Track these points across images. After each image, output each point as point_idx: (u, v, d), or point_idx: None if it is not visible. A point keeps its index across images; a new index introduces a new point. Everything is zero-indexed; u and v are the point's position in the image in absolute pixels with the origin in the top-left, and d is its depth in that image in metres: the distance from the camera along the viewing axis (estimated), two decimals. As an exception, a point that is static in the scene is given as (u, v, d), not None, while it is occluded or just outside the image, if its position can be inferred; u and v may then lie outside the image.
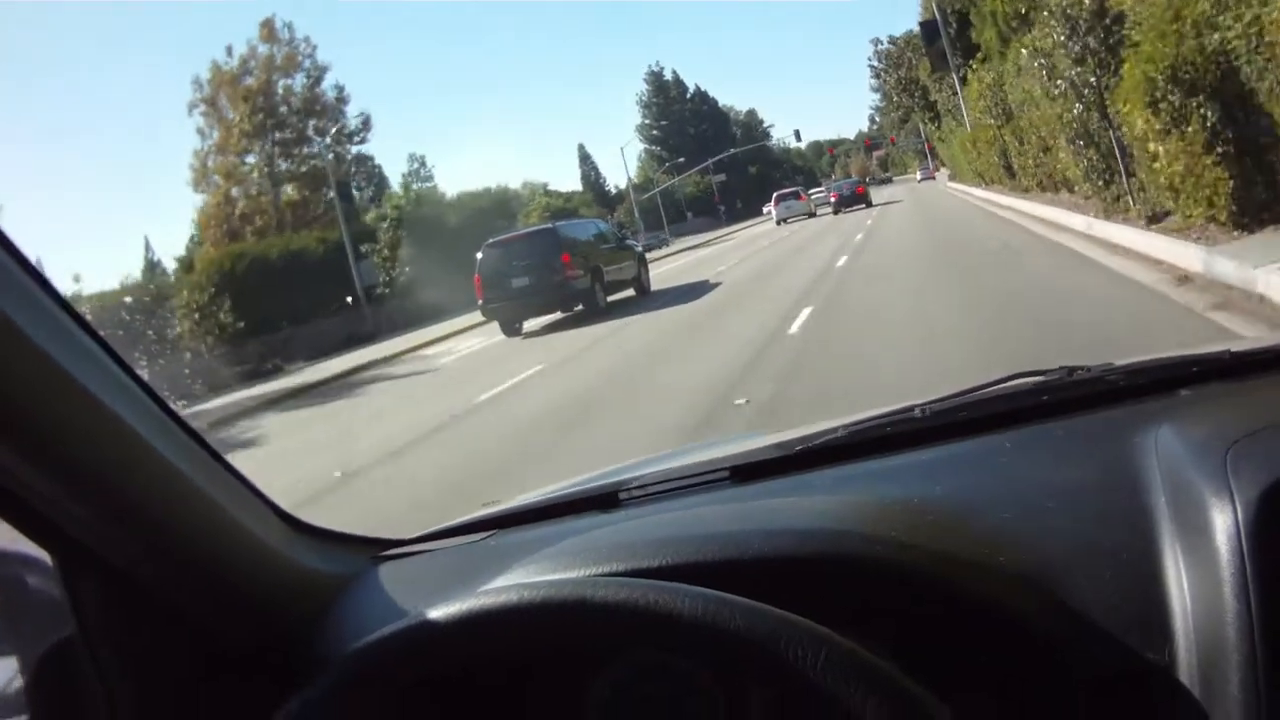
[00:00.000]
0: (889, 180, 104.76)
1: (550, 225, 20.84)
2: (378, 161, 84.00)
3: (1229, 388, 1.23)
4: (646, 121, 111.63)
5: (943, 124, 42.34)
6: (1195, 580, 0.90)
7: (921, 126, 63.31)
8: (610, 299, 20.49)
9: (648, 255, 26.64)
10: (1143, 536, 0.96)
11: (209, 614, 1.07)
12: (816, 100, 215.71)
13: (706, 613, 0.83)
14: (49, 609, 1.02)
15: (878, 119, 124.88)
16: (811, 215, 53.05)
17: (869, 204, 50.27)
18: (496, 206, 52.21)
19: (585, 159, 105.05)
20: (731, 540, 1.02)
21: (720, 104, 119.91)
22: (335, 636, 1.15)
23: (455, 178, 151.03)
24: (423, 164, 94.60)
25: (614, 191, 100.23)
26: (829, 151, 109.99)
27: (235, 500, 1.12)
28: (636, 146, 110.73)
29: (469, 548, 1.41)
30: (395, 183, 79.32)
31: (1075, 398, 1.28)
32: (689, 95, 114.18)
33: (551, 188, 77.90)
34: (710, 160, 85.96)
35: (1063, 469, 1.11)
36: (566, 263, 18.60)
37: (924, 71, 44.60)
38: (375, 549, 1.42)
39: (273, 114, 45.06)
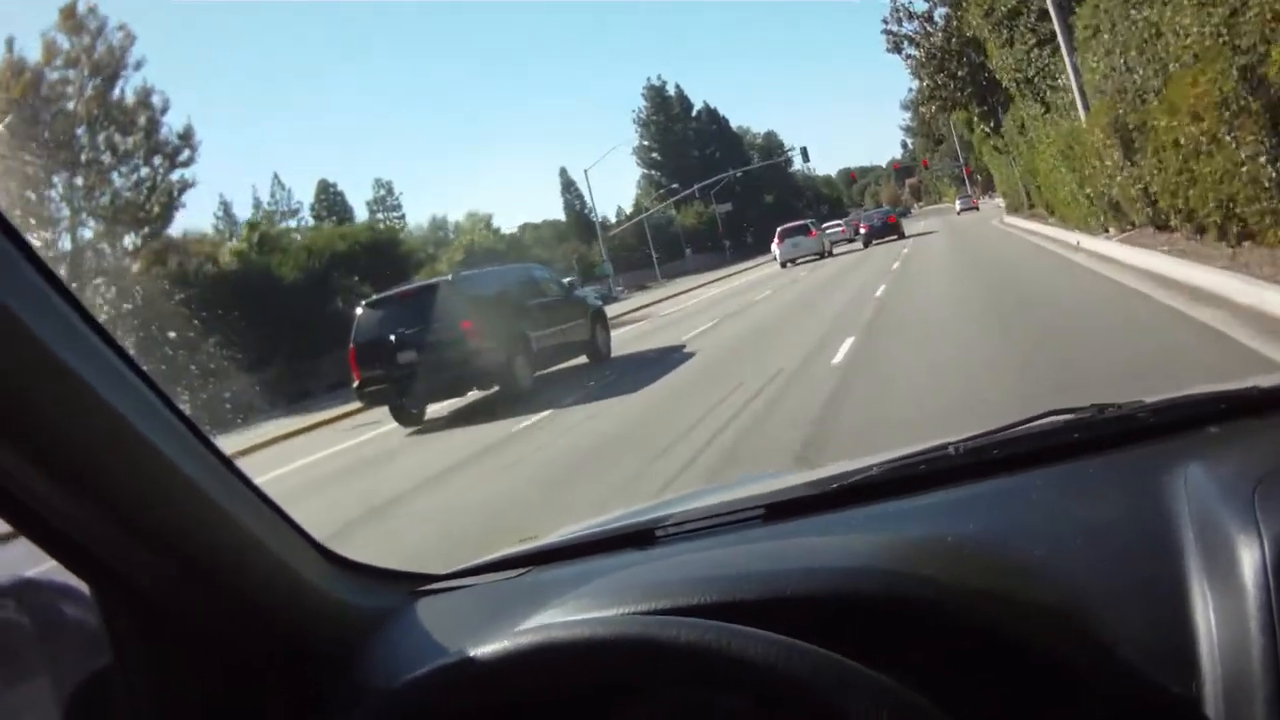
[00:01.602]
0: (905, 213, 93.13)
1: (449, 277, 16.12)
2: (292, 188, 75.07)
3: (1257, 424, 1.24)
4: (644, 143, 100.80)
5: (1015, 116, 28.49)
6: (1222, 616, 0.92)
7: (964, 132, 50.82)
8: (554, 368, 16.41)
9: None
10: (1171, 572, 0.98)
11: (246, 648, 1.10)
12: (846, 127, 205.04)
13: (757, 653, 0.86)
14: (87, 639, 1.05)
15: (910, 143, 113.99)
16: (823, 255, 44.28)
17: (901, 235, 46.09)
18: (389, 245, 40.81)
19: (569, 186, 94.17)
20: (768, 579, 1.05)
21: (734, 125, 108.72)
22: (371, 671, 1.18)
23: (425, 206, 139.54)
24: (389, 191, 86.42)
25: (602, 221, 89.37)
26: (851, 176, 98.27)
27: (273, 534, 1.14)
28: (634, 171, 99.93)
29: (505, 584, 1.42)
30: (360, 213, 73.61)
31: (1106, 435, 1.30)
32: (695, 113, 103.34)
33: (533, 219, 68.63)
34: (699, 185, 74.71)
35: (1094, 506, 1.14)
36: (468, 329, 14.22)
37: (977, 11, 26.36)
38: (411, 584, 1.44)
39: (63, 129, 33.19)
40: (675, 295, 42.08)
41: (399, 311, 14.92)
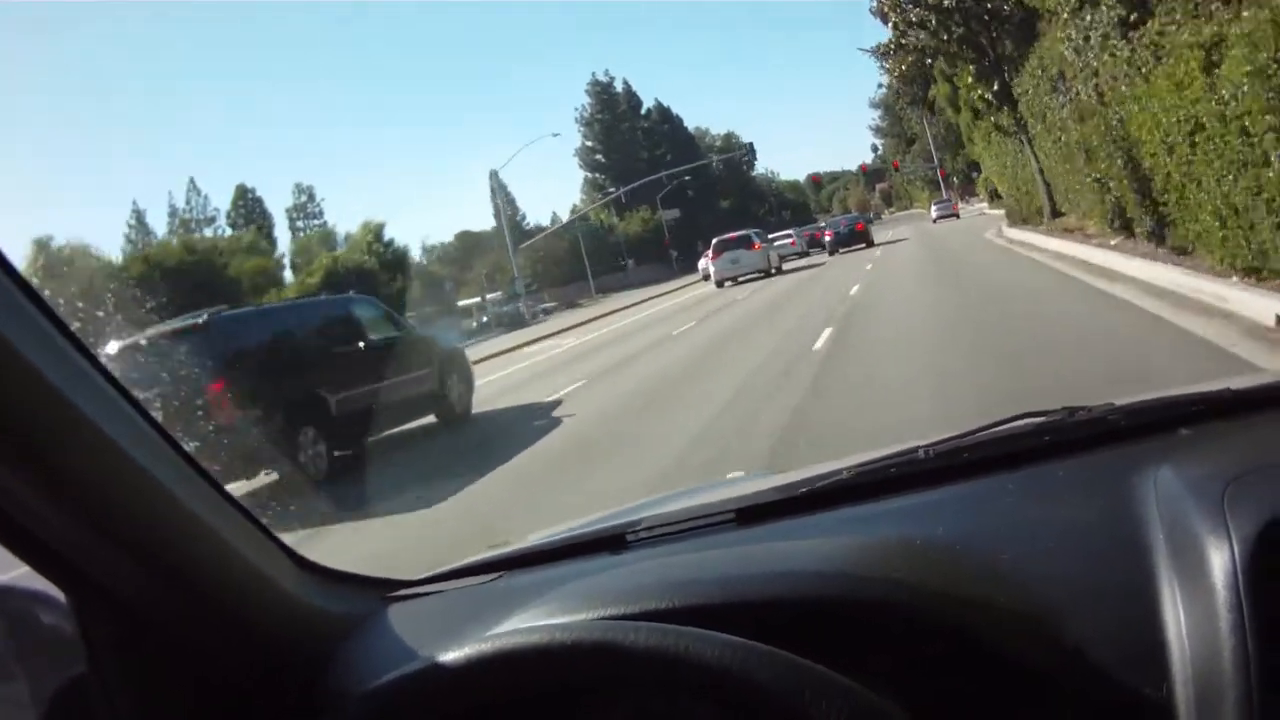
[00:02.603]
0: (874, 219, 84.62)
1: (203, 318, 11.04)
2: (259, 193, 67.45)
3: (1229, 426, 1.27)
4: (588, 143, 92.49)
5: (1045, 62, 18.92)
6: (1193, 617, 0.94)
7: (945, 110, 41.50)
8: (386, 434, 12.13)
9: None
10: (1142, 575, 1.01)
11: (219, 653, 1.12)
12: (814, 130, 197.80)
13: (715, 656, 0.88)
14: (62, 645, 1.06)
15: (880, 146, 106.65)
16: (769, 273, 37.11)
17: (870, 243, 42.38)
18: (209, 268, 32.28)
19: (500, 189, 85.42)
20: (736, 583, 1.08)
21: (690, 126, 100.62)
22: (344, 677, 1.19)
23: (354, 215, 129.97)
24: (310, 197, 77.74)
25: (534, 226, 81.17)
26: (815, 179, 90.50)
27: (246, 540, 1.16)
28: (577, 174, 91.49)
29: (478, 589, 1.44)
30: (280, 220, 66.74)
31: (1077, 438, 1.32)
32: (645, 111, 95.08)
33: (474, 226, 60.45)
34: (628, 187, 66.18)
35: (1064, 509, 1.16)
36: (216, 394, 9.90)
37: None
38: (384, 589, 1.45)
39: None
40: (594, 320, 35.95)
41: (144, 364, 10.27)
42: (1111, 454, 1.27)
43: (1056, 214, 21.37)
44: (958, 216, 52.33)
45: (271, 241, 62.31)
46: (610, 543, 1.46)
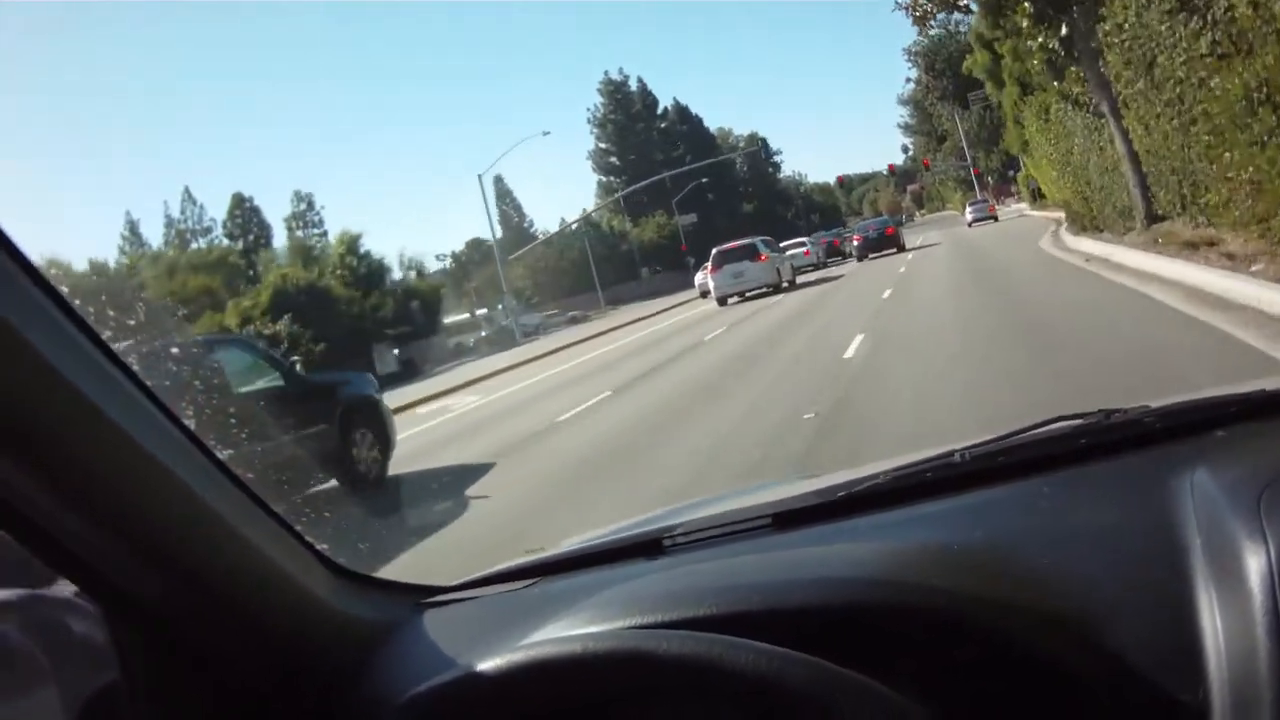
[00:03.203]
0: (904, 221, 77.99)
1: None
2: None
3: (1264, 427, 1.25)
4: (601, 145, 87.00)
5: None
6: (1229, 621, 0.92)
7: (986, 85, 34.45)
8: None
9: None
10: (1178, 578, 0.99)
11: (252, 660, 1.11)
12: (844, 132, 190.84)
13: (749, 664, 0.88)
14: (94, 654, 1.06)
15: (910, 146, 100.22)
16: (778, 287, 31.57)
17: (901, 248, 38.58)
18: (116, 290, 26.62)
19: (504, 195, 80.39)
20: (774, 590, 1.07)
21: (712, 127, 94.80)
22: (379, 684, 1.18)
23: (356, 223, 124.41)
24: (310, 205, 73.00)
25: (542, 234, 75.76)
26: (839, 180, 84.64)
27: (279, 548, 1.15)
28: (590, 177, 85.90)
29: (513, 595, 1.42)
30: (279, 229, 62.64)
31: (1113, 441, 1.30)
32: (661, 111, 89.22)
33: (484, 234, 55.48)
34: (628, 189, 60.30)
35: (1100, 512, 1.15)
36: None
37: None
38: (419, 595, 1.44)
39: None
40: (585, 341, 31.26)
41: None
42: (1147, 456, 1.25)
43: (1154, 217, 15.13)
44: (995, 219, 46.11)
45: (268, 253, 58.41)
46: (646, 548, 1.43)
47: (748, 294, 30.71)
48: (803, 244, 42.72)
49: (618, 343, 25.75)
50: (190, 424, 1.09)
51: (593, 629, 1.04)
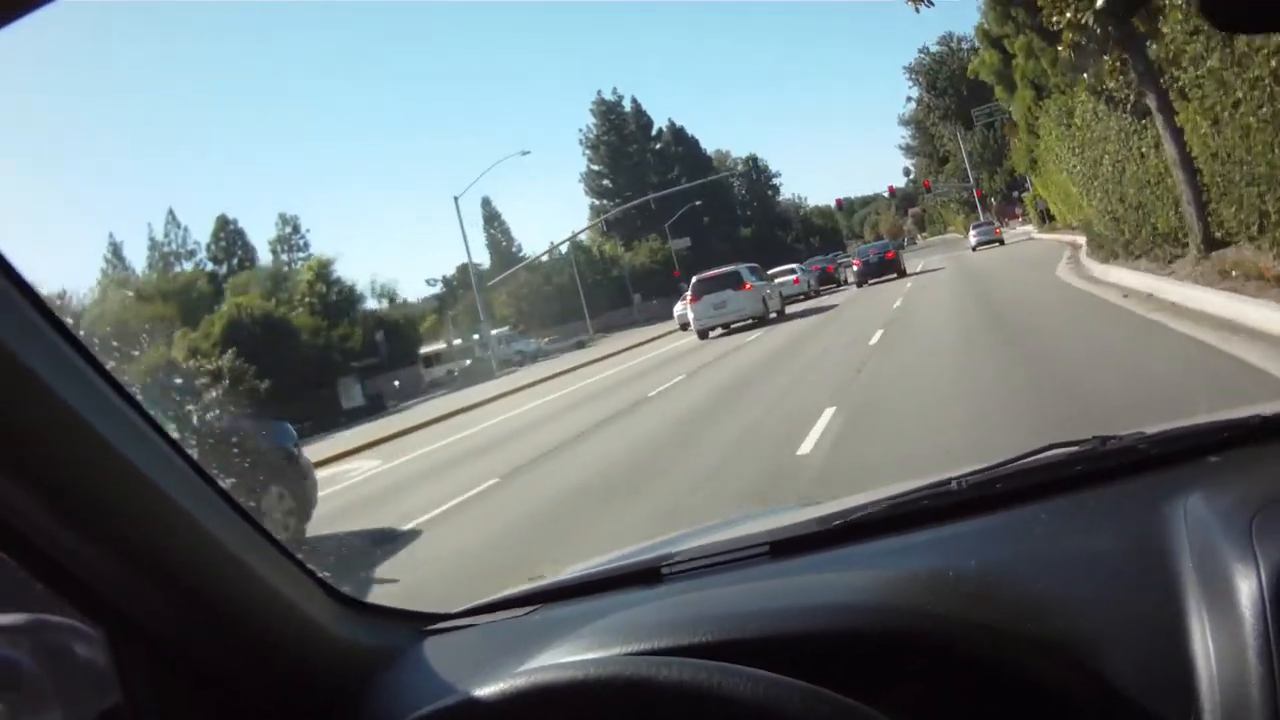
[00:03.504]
0: (905, 245, 74.94)
1: None
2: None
3: (1258, 453, 1.26)
4: (594, 168, 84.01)
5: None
6: (1221, 644, 0.94)
7: (997, 88, 31.81)
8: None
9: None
10: (1170, 603, 1.00)
11: (254, 687, 1.11)
12: (844, 155, 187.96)
13: (746, 690, 0.88)
14: (97, 678, 1.07)
15: (912, 169, 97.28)
16: (766, 319, 28.32)
17: (902, 272, 36.73)
18: None
19: (493, 219, 77.33)
20: (771, 617, 1.08)
21: (710, 149, 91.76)
22: (380, 711, 1.19)
23: (343, 247, 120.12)
24: (295, 228, 70.23)
25: (530, 259, 72.73)
26: (837, 203, 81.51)
27: (281, 575, 1.16)
28: (583, 201, 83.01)
29: (514, 622, 1.43)
30: (263, 251, 60.64)
31: (1108, 467, 1.32)
32: (656, 132, 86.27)
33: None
34: (611, 212, 57.06)
35: (1095, 538, 1.17)
36: None
37: None
38: (420, 623, 1.45)
39: None
40: (565, 373, 28.44)
41: None
42: (1142, 482, 1.26)
43: (1213, 242, 11.72)
44: (1001, 242, 42.69)
45: (241, 277, 55.25)
46: (645, 576, 1.44)
47: (733, 326, 27.56)
48: (792, 271, 39.07)
49: (570, 388, 22.54)
50: (193, 453, 1.09)
51: (592, 655, 1.04)
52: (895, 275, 35.95)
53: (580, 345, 49.92)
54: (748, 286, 27.53)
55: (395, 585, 7.03)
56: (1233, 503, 1.06)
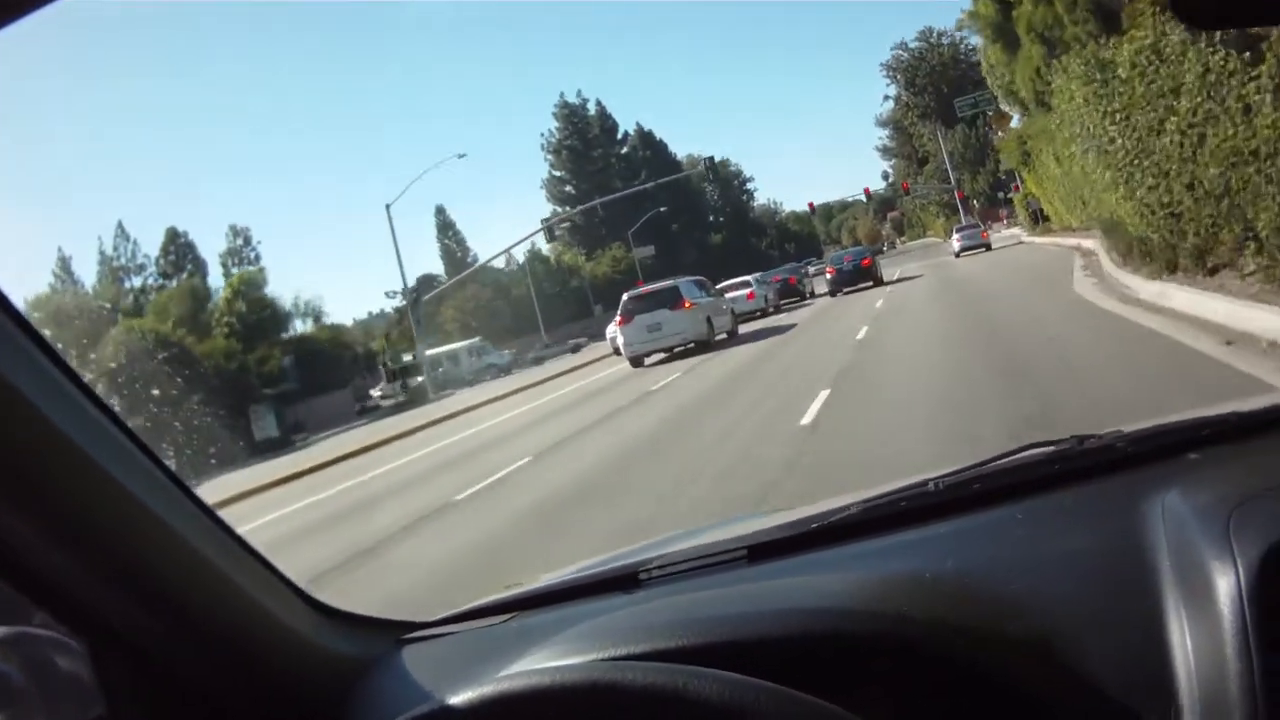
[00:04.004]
0: (883, 249, 69.89)
1: None
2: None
3: (1236, 450, 1.25)
4: (556, 174, 78.86)
5: None
6: (1199, 642, 0.93)
7: (994, 58, 27.02)
8: None
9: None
10: (1148, 600, 1.00)
11: (235, 697, 1.11)
12: (823, 160, 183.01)
13: (713, 693, 0.87)
14: (80, 690, 1.06)
15: (890, 171, 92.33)
16: (711, 342, 23.33)
17: (879, 281, 32.84)
18: None
19: (447, 228, 72.11)
20: (746, 621, 1.07)
21: (681, 155, 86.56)
22: (360, 718, 1.20)
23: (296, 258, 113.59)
24: (246, 240, 65.04)
25: (472, 269, 67.48)
26: (810, 207, 76.16)
27: (261, 586, 1.16)
28: (544, 209, 77.72)
29: (491, 630, 1.43)
30: (214, 265, 56.35)
31: (1085, 467, 1.30)
32: (621, 136, 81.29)
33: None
34: (557, 219, 51.62)
35: (1072, 537, 1.15)
36: None
37: None
38: (399, 631, 1.44)
39: None
40: (500, 399, 24.90)
41: None
42: (1120, 481, 1.24)
43: None
44: (988, 247, 37.43)
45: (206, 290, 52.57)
46: (622, 582, 1.42)
47: (674, 350, 22.53)
48: (746, 284, 33.00)
49: (532, 403, 17.92)
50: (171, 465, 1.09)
51: (567, 662, 1.03)
52: (871, 284, 32.43)
53: (576, 349, 45.09)
54: (687, 304, 22.31)
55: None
56: (1210, 500, 1.04)
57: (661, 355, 22.66)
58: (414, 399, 39.95)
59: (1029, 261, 24.97)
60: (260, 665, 1.13)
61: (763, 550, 1.37)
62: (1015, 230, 45.79)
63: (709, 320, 23.06)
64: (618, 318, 23.43)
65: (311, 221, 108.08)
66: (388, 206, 41.69)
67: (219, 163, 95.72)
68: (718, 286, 28.09)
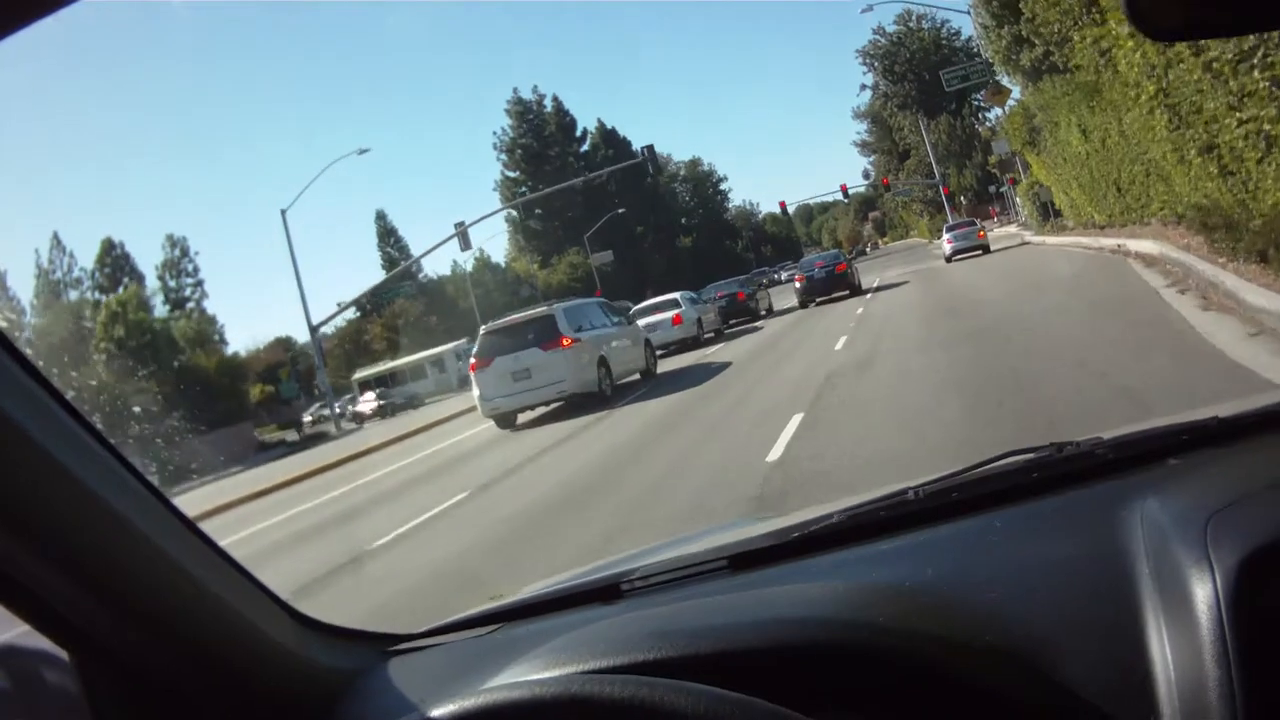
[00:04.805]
0: (864, 252, 63.05)
1: None
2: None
3: (1215, 454, 1.24)
4: (509, 174, 71.73)
5: None
6: (1177, 649, 0.93)
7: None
8: None
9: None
10: (1127, 608, 0.99)
11: (221, 710, 1.10)
12: (802, 161, 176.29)
13: (688, 706, 0.87)
14: (66, 704, 1.05)
15: (870, 168, 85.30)
16: (602, 392, 15.61)
17: (854, 290, 28.09)
18: None
19: (388, 235, 64.99)
20: (725, 632, 1.06)
21: (639, 150, 79.18)
22: None
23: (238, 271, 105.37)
24: (184, 251, 59.65)
25: (431, 278, 60.41)
26: (781, 205, 69.90)
27: (245, 600, 1.15)
28: (503, 213, 70.47)
29: (475, 642, 1.42)
30: (150, 277, 53.03)
31: (1065, 474, 1.29)
32: (579, 134, 74.13)
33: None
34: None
35: (1051, 545, 1.14)
36: None
37: None
38: (383, 644, 1.43)
39: None
40: (406, 438, 20.56)
41: None
42: (1099, 488, 1.23)
43: None
44: (987, 249, 30.36)
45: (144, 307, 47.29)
46: (605, 593, 1.42)
47: (550, 403, 15.65)
48: (674, 304, 23.89)
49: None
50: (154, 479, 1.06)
51: (548, 674, 1.03)
52: (847, 293, 27.71)
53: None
54: (565, 341, 15.05)
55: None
56: (1188, 506, 1.04)
57: (543, 407, 15.77)
58: (317, 436, 33.44)
59: (1051, 269, 17.88)
60: (245, 678, 1.10)
61: (744, 560, 1.36)
62: (1012, 229, 38.82)
63: (600, 363, 15.89)
64: (471, 360, 16.18)
65: (250, 232, 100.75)
66: (283, 212, 34.89)
67: (156, 171, 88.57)
68: (639, 306, 20.96)
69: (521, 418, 15.80)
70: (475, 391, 15.80)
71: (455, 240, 33.78)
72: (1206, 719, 0.87)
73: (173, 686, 1.05)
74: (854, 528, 1.33)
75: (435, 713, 0.93)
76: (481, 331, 16.38)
